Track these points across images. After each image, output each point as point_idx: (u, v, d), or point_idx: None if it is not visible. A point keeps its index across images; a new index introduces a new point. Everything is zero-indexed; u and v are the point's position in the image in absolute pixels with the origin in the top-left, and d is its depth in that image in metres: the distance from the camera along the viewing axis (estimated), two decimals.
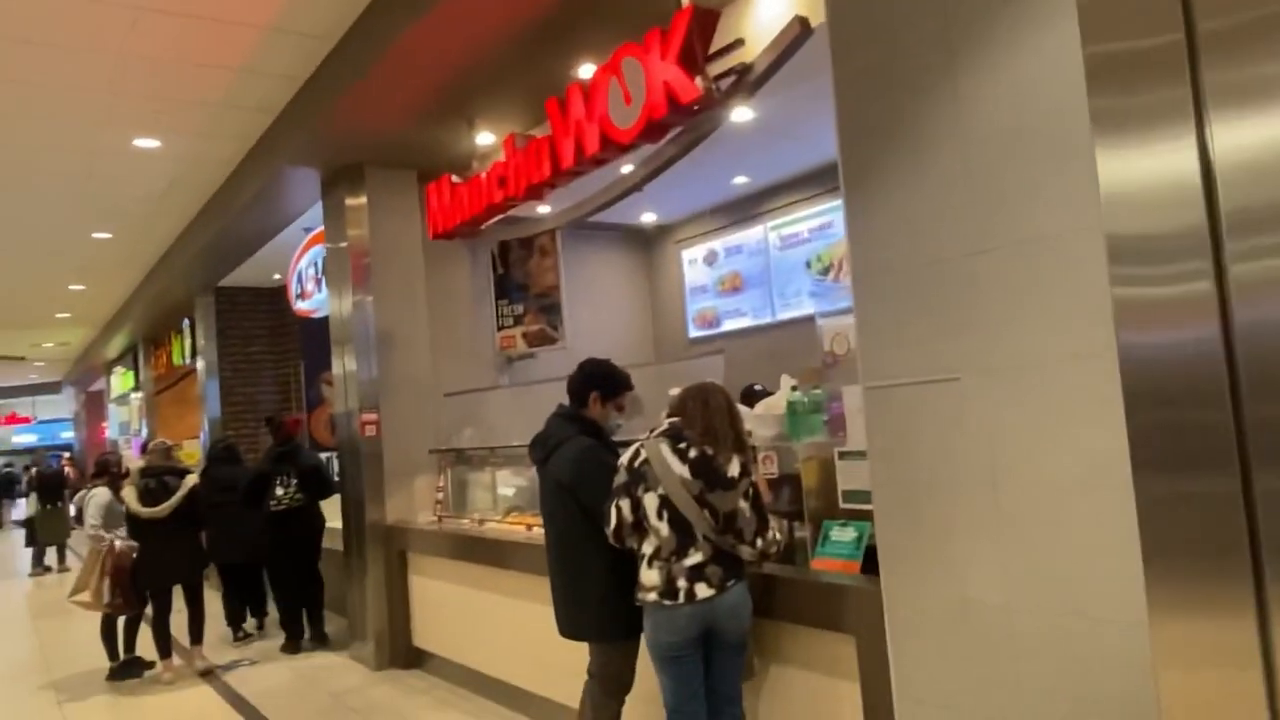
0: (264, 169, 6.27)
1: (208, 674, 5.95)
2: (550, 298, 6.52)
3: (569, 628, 3.31)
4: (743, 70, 3.46)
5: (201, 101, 5.49)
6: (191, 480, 6.20)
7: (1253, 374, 1.49)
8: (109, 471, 6.38)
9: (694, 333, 7.77)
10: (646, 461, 2.93)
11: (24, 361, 18.89)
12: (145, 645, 6.08)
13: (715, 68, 3.51)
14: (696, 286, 7.79)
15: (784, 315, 6.87)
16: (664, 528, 2.87)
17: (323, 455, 7.90)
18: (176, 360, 12.34)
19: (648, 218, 8.10)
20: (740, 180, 6.83)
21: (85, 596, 5.84)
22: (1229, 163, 1.49)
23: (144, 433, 13.98)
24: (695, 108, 3.50)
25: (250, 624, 7.10)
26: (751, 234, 7.15)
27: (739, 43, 3.50)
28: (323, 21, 4.61)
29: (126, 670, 6.02)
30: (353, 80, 4.76)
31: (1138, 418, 1.95)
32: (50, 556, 12.10)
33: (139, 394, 14.71)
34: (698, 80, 3.42)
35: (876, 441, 2.55)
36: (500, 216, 5.10)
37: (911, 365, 2.44)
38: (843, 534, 3.03)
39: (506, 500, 5.41)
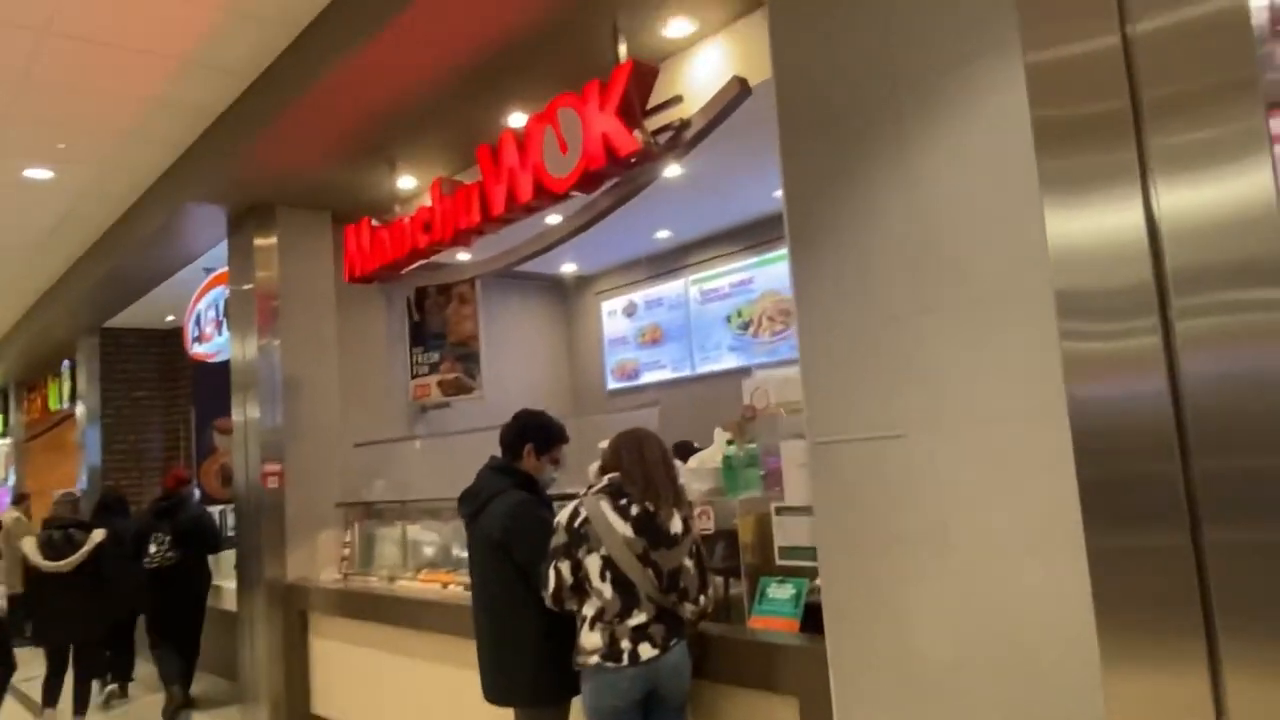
0: (166, 205, 5.97)
1: None
2: (468, 346, 6.37)
3: (497, 693, 3.14)
4: (680, 126, 3.49)
5: (104, 131, 5.20)
6: (99, 535, 5.96)
7: (1200, 427, 1.53)
8: None
9: (613, 384, 7.73)
10: (587, 521, 2.82)
11: None
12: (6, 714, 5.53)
13: (653, 122, 3.53)
14: (616, 338, 7.77)
15: (704, 368, 6.91)
16: (607, 589, 2.77)
17: (215, 508, 7.47)
18: (54, 404, 11.51)
19: (568, 268, 8.07)
20: (663, 234, 6.88)
21: None
22: (1174, 222, 1.54)
23: (11, 480, 12.94)
24: (633, 160, 3.50)
25: (110, 688, 6.62)
26: (672, 287, 7.20)
27: (677, 99, 3.54)
28: (241, 57, 4.45)
29: None
30: (269, 118, 4.60)
31: (1087, 471, 1.98)
32: None
33: (7, 440, 13.65)
34: (636, 134, 3.43)
35: (823, 497, 2.54)
36: (421, 262, 4.97)
37: (859, 421, 2.45)
38: (781, 591, 2.99)
39: (420, 557, 5.19)
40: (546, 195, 3.83)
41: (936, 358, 2.29)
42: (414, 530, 5.28)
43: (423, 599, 4.50)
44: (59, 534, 5.93)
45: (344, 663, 5.14)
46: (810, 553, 2.89)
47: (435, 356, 6.47)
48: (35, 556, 5.81)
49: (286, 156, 5.03)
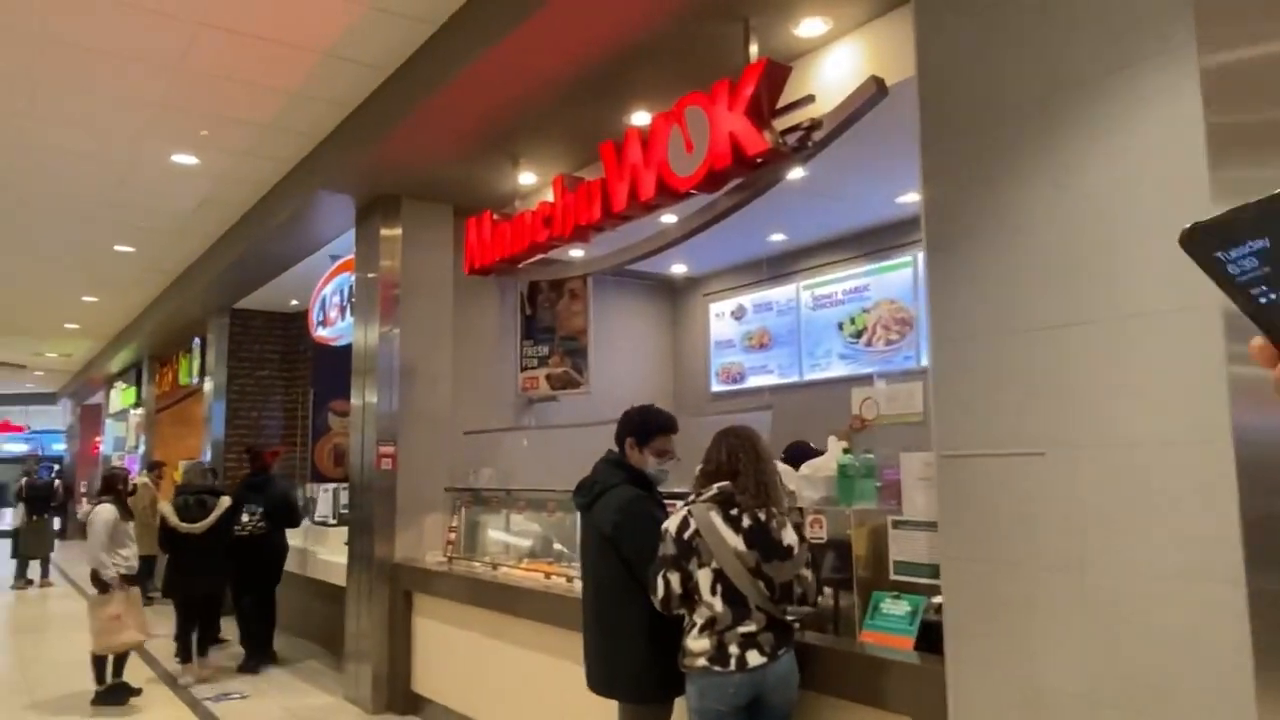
0: (299, 193, 6.25)
1: (203, 682, 6.34)
2: (577, 341, 6.45)
3: (601, 683, 3.16)
4: (810, 127, 3.43)
5: (248, 121, 5.47)
6: (226, 501, 6.70)
7: None
8: (115, 489, 6.25)
9: (717, 387, 7.69)
10: (697, 533, 2.78)
11: (23, 370, 18.74)
12: (130, 672, 5.88)
13: (782, 123, 3.49)
14: (722, 340, 7.73)
15: (812, 375, 6.80)
16: (718, 603, 2.73)
17: (327, 485, 7.78)
18: (183, 379, 12.21)
19: (677, 268, 8.07)
20: (776, 237, 6.81)
21: (134, 636, 5.80)
22: None
23: (141, 449, 13.79)
24: (760, 161, 3.47)
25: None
26: (783, 292, 7.11)
27: (809, 99, 3.48)
28: (381, 52, 4.61)
29: (113, 695, 5.81)
30: (402, 113, 4.76)
31: (1253, 506, 1.86)
32: (33, 570, 11.82)
33: (139, 411, 14.55)
34: (765, 134, 3.39)
35: (949, 513, 2.46)
36: (539, 257, 5.05)
37: (993, 436, 2.36)
38: (895, 607, 2.91)
39: (522, 546, 5.28)
40: (669, 194, 3.83)
41: (1081, 373, 2.18)
42: (518, 520, 5.38)
43: (525, 587, 4.57)
44: (193, 499, 6.64)
45: (445, 643, 5.27)
46: (928, 569, 2.81)
47: (545, 350, 6.57)
48: (173, 518, 6.51)
49: (415, 150, 5.19)
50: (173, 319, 11.06)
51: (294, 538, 7.58)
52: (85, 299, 11.10)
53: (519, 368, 6.70)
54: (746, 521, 2.78)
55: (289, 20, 4.29)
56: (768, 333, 7.21)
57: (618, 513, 3.11)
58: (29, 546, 11.78)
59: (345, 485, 7.28)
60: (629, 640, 3.05)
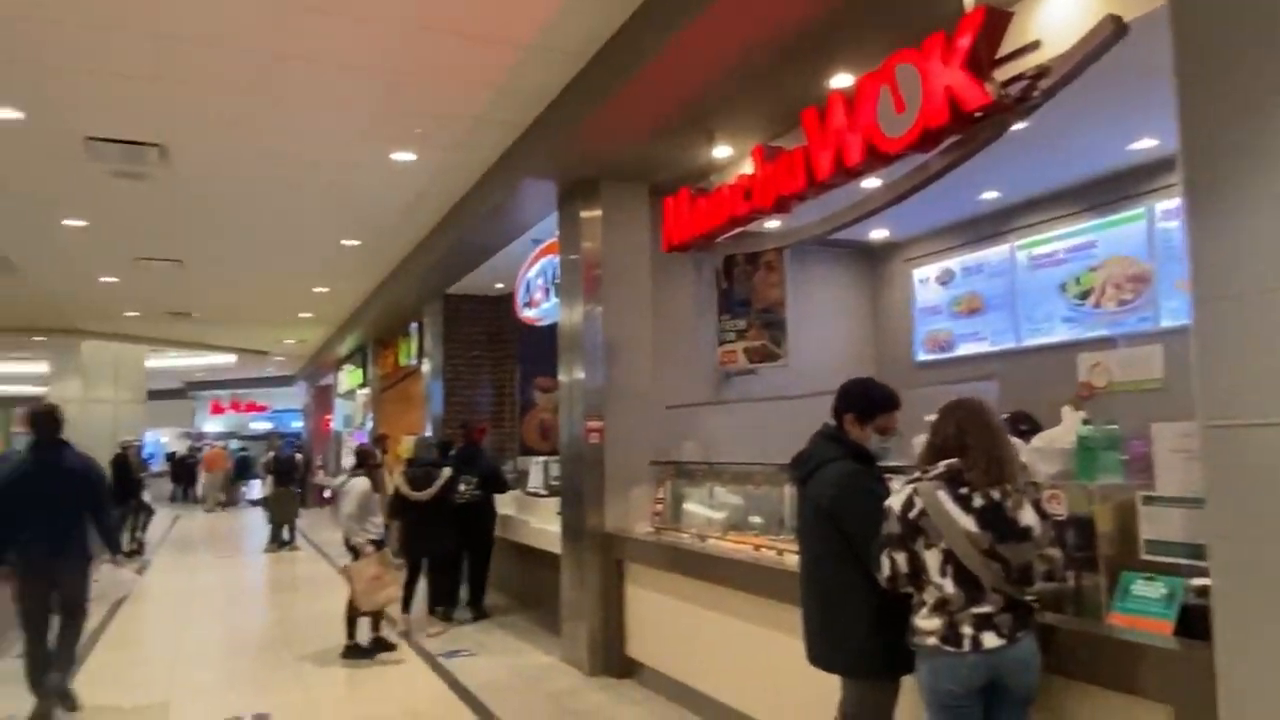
0: (505, 182, 6.55)
1: (433, 638, 6.86)
2: (775, 314, 6.40)
3: (820, 659, 3.15)
4: (1036, 75, 3.20)
5: (459, 116, 5.79)
6: (447, 472, 7.39)
7: None
8: (367, 463, 6.92)
9: (923, 356, 7.40)
10: (924, 513, 2.68)
11: (265, 356, 20.92)
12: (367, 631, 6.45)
13: (1003, 73, 3.27)
14: (928, 307, 7.41)
15: (1030, 341, 6.38)
16: (949, 584, 2.63)
17: (538, 459, 8.17)
18: (403, 360, 13.20)
19: (878, 234, 7.81)
20: (988, 195, 6.42)
21: (394, 592, 6.52)
22: None
23: (368, 426, 15.04)
24: (979, 116, 3.27)
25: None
26: (995, 253, 6.71)
27: (1034, 45, 3.24)
28: (580, 39, 4.73)
29: (360, 651, 6.40)
30: (601, 98, 4.86)
31: None
32: (282, 536, 13.21)
33: (365, 390, 15.87)
34: (986, 86, 3.19)
35: (1219, 488, 2.24)
36: (737, 230, 5.03)
37: (1270, 404, 2.12)
38: (1149, 589, 2.69)
39: (727, 518, 5.32)
40: (877, 157, 3.70)
41: None
42: (721, 492, 5.42)
43: (733, 558, 4.61)
44: (421, 470, 7.33)
45: (657, 611, 5.42)
46: (1186, 549, 2.59)
47: (742, 324, 6.56)
48: (405, 488, 7.20)
49: (613, 133, 5.30)
50: (392, 305, 11.96)
51: (507, 507, 8.06)
52: (316, 290, 12.21)
53: (717, 342, 6.73)
54: (978, 501, 2.64)
55: (493, 16, 4.48)
56: (979, 297, 6.83)
57: (835, 486, 3.07)
58: (277, 513, 13.18)
59: (554, 458, 7.64)
60: (848, 615, 3.02)
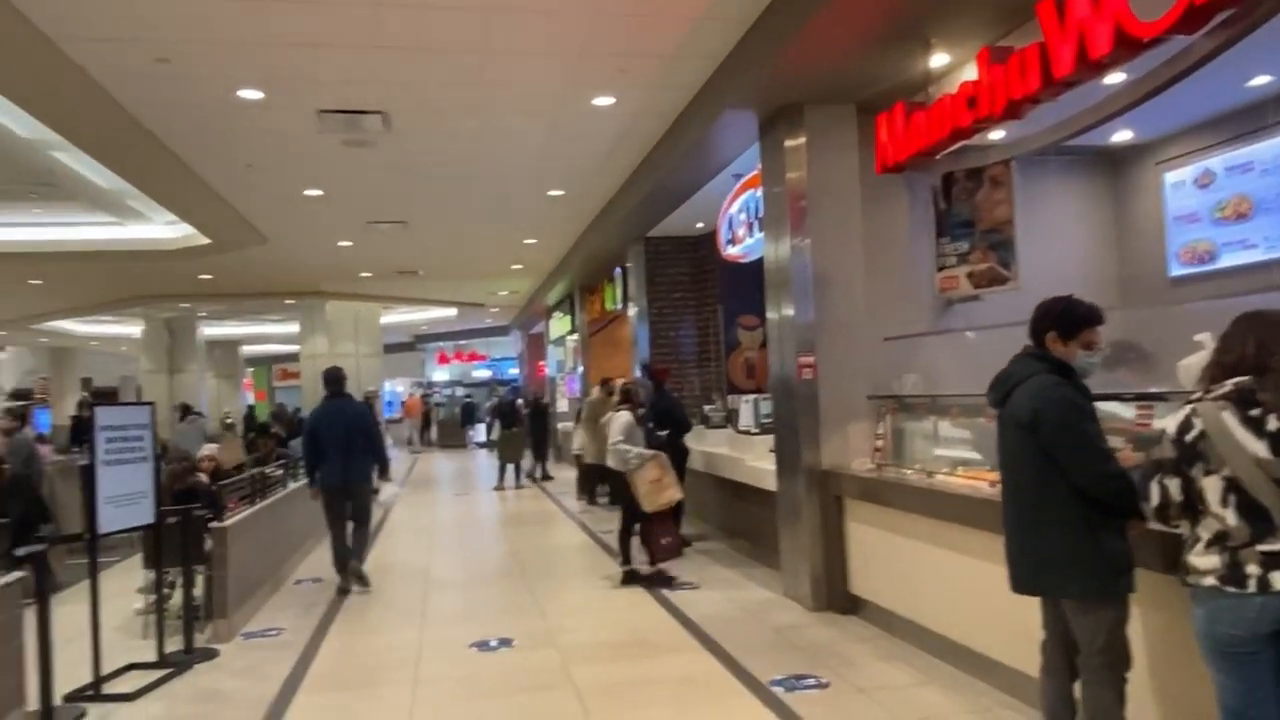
0: (704, 116, 6.44)
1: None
2: (1001, 233, 5.91)
3: (1022, 582, 3.06)
4: None
5: (658, 55, 5.73)
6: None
7: None
8: (629, 399, 7.39)
9: (1177, 270, 6.62)
10: (1203, 436, 2.40)
11: (482, 308, 22.18)
12: (600, 567, 6.73)
13: None
14: (1183, 215, 6.59)
15: None
16: (1231, 515, 2.35)
17: (748, 398, 8.14)
18: (608, 305, 13.55)
19: (1120, 136, 7.00)
20: (1259, 81, 5.57)
21: (675, 493, 6.85)
22: None
23: (579, 371, 15.64)
24: None
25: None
26: (1267, 148, 5.83)
27: None
28: None
29: (642, 578, 6.76)
30: (805, 16, 4.63)
31: None
32: (508, 475, 14.08)
33: (574, 336, 16.48)
34: None
35: None
36: (960, 144, 4.67)
37: None
38: None
39: (953, 453, 5.06)
40: (1129, 45, 3.28)
41: None
42: (946, 426, 5.16)
43: (958, 493, 4.39)
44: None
45: (880, 548, 5.28)
46: None
47: (964, 246, 6.12)
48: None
49: (817, 53, 5.04)
50: (596, 252, 12.25)
51: (719, 445, 8.11)
52: (526, 241, 12.71)
53: (935, 268, 6.34)
54: (1273, 424, 2.32)
55: None
56: (1247, 200, 5.99)
57: (1035, 399, 2.96)
58: (504, 453, 14.04)
59: (762, 396, 7.58)
60: (1053, 533, 2.92)
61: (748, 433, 7.83)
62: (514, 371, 29.30)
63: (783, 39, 4.95)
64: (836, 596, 5.73)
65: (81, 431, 15.16)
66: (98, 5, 4.78)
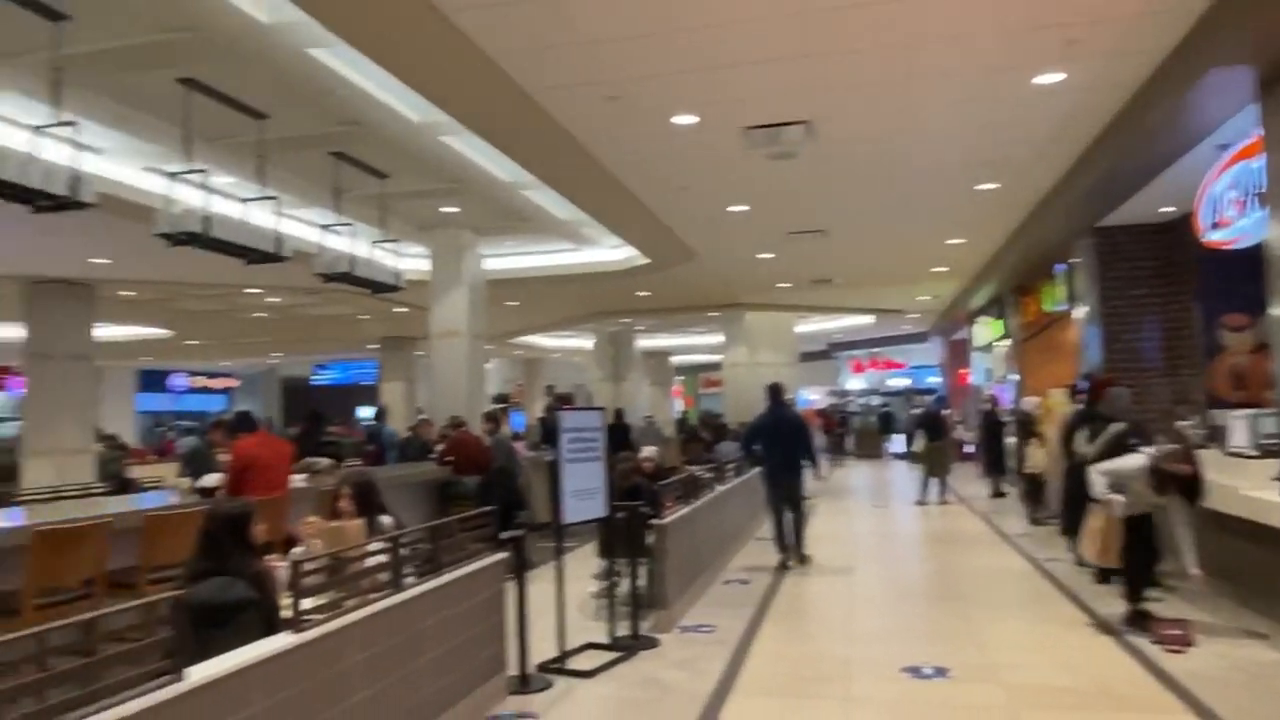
0: (1178, 82, 5.47)
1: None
2: None
3: None
4: None
5: (1117, 17, 4.99)
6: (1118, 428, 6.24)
7: None
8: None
9: None
10: None
11: (900, 314, 21.50)
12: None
13: None
14: None
15: None
16: None
17: (1237, 413, 6.78)
18: (1046, 306, 12.26)
19: None
20: None
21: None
22: None
23: (1011, 379, 14.39)
24: None
25: None
26: None
27: None
28: None
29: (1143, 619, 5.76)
30: None
31: None
32: (931, 489, 13.34)
33: (1005, 342, 15.20)
34: None
35: None
36: None
37: None
38: None
39: None
40: None
41: None
42: None
43: None
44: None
45: None
46: None
47: None
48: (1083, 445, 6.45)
49: None
50: (1032, 248, 11.15)
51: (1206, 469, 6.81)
52: (950, 242, 12.00)
53: None
54: None
55: None
56: None
57: None
58: (929, 467, 13.35)
59: (1260, 411, 6.24)
60: None
61: (1240, 454, 6.49)
62: (933, 380, 28.02)
63: None
64: None
65: (547, 432, 17.56)
66: (561, 56, 5.40)
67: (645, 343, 25.38)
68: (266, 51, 5.56)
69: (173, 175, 6.76)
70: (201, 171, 6.69)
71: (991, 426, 13.50)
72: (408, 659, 3.68)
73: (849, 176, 8.50)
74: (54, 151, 5.42)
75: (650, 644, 5.76)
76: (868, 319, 22.24)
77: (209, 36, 5.40)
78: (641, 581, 6.15)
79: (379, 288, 8.93)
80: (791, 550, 8.25)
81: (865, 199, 9.42)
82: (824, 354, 30.93)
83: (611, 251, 12.51)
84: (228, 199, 7.23)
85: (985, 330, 17.45)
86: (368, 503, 4.37)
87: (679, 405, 31.99)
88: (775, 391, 8.63)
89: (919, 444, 14.00)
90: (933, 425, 13.45)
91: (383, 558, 3.80)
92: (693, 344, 26.53)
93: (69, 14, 5.14)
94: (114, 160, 7.58)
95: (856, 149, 7.55)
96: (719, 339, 21.00)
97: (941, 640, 5.72)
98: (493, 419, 10.67)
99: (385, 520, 4.39)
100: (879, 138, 7.27)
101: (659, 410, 26.07)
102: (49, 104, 5.51)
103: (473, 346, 11.45)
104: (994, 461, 13.46)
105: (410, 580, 3.90)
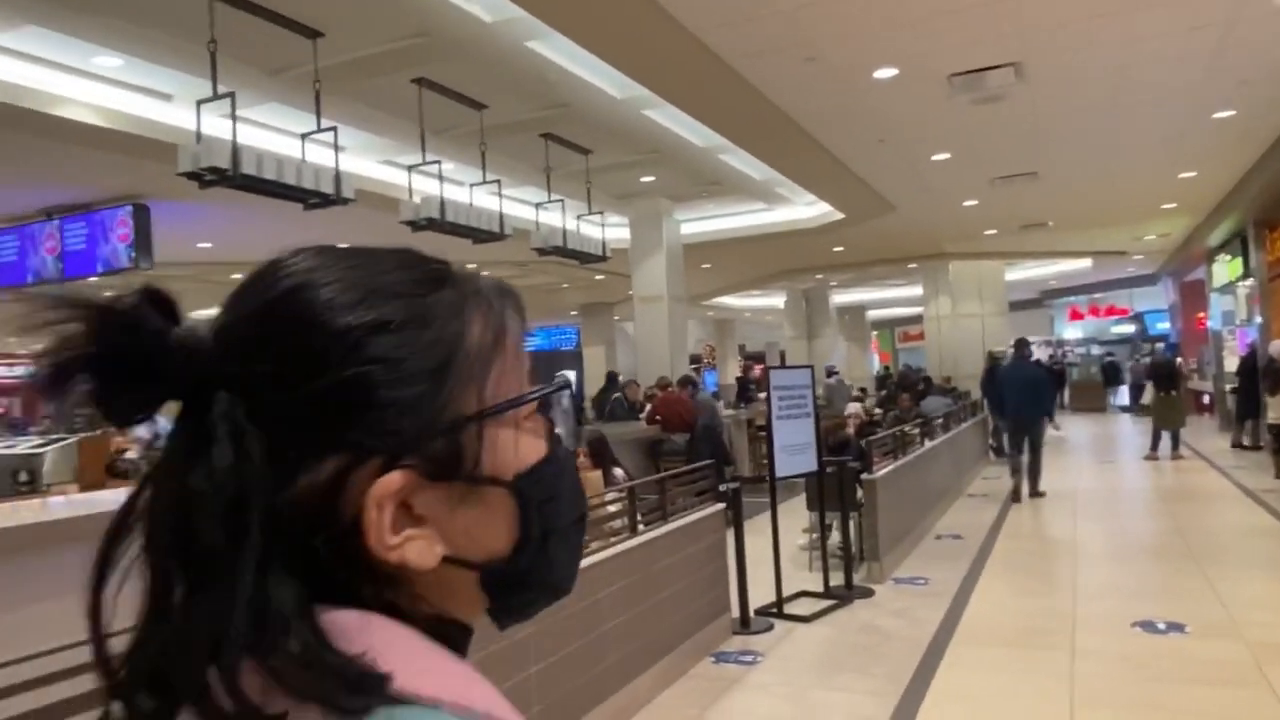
0: None
1: None
2: None
3: None
4: None
5: None
6: None
7: None
8: None
9: None
10: None
11: (1123, 256, 19.86)
12: None
13: None
14: None
15: None
16: None
17: None
18: None
19: None
20: None
21: None
22: None
23: (1256, 322, 13.09)
24: None
25: None
26: None
27: None
28: None
29: None
30: None
31: None
32: (1163, 443, 12.45)
33: (1247, 282, 13.81)
34: None
35: None
36: None
37: None
38: None
39: None
40: None
41: None
42: None
43: None
44: None
45: None
46: None
47: None
48: None
49: None
50: (1277, 179, 10.08)
51: None
52: (1181, 175, 11.03)
53: None
54: None
55: None
56: None
57: None
58: (1159, 420, 12.45)
59: None
60: None
61: None
62: (1163, 325, 25.75)
63: None
64: None
65: (744, 390, 17.80)
66: (760, 27, 5.52)
67: (841, 298, 24.93)
68: (488, 47, 6.06)
69: (410, 168, 7.51)
70: (436, 163, 7.39)
71: (1250, 373, 12.34)
72: (647, 595, 4.08)
73: (1062, 116, 8.04)
74: (316, 154, 6.21)
75: (865, 594, 5.92)
76: (1085, 263, 20.72)
77: (439, 38, 5.96)
78: (852, 535, 6.30)
79: (587, 258, 9.47)
80: (1024, 479, 9.27)
81: (1080, 137, 8.87)
82: (1037, 303, 29.09)
83: (805, 209, 12.46)
84: (458, 185, 7.93)
85: (1224, 270, 15.87)
86: (602, 456, 4.81)
87: (876, 361, 31.22)
88: (1021, 345, 10.00)
89: (1148, 395, 13.06)
90: (1165, 375, 12.51)
91: (620, 505, 4.21)
92: (890, 297, 25.76)
93: (324, 31, 5.85)
94: (355, 156, 8.48)
95: (1071, 87, 7.15)
96: (917, 291, 20.30)
97: (1177, 597, 5.51)
98: (690, 383, 11.02)
99: (618, 472, 4.82)
100: (1096, 72, 6.85)
101: (856, 366, 25.60)
102: (309, 112, 6.29)
103: (673, 310, 11.84)
104: (1249, 408, 12.30)
105: (643, 527, 4.30)
